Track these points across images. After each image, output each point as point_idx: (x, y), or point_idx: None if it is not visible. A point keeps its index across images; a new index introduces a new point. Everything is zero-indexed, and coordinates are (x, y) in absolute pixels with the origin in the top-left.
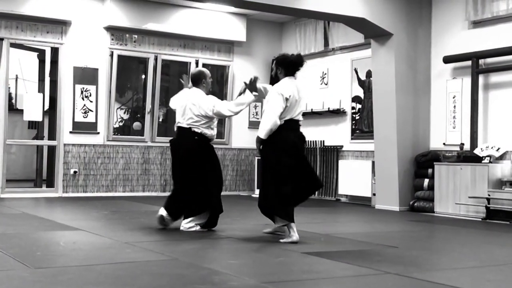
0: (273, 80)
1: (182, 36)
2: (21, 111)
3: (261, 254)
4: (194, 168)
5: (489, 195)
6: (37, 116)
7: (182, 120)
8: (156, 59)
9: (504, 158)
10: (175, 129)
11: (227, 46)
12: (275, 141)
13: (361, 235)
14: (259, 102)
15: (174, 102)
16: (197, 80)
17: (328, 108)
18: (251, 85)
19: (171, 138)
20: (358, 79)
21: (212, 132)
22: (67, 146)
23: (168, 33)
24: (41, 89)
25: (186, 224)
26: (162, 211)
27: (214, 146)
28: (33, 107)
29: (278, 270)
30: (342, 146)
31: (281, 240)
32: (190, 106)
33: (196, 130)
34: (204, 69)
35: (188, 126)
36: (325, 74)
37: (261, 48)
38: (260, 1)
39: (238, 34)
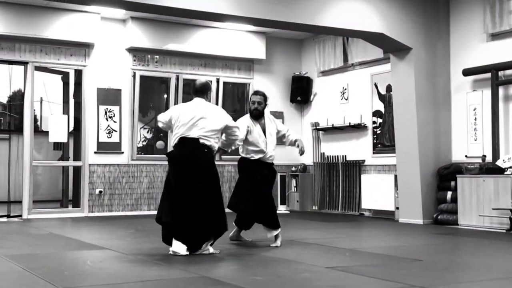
0: (260, 114)
1: (202, 55)
2: (47, 132)
3: (285, 270)
4: (210, 184)
5: None
6: (62, 137)
7: (188, 132)
8: (177, 78)
9: None
10: (177, 141)
11: (247, 64)
12: None
13: (386, 249)
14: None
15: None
16: (204, 90)
17: (349, 123)
18: None
19: (172, 151)
20: (378, 93)
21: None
22: (92, 166)
23: (188, 53)
24: (65, 110)
25: (210, 248)
26: (183, 250)
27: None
28: (58, 129)
29: (303, 286)
30: (364, 161)
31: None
32: (209, 117)
33: (206, 142)
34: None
35: (197, 137)
36: (345, 89)
37: (281, 65)
38: (279, 19)
39: (257, 52)
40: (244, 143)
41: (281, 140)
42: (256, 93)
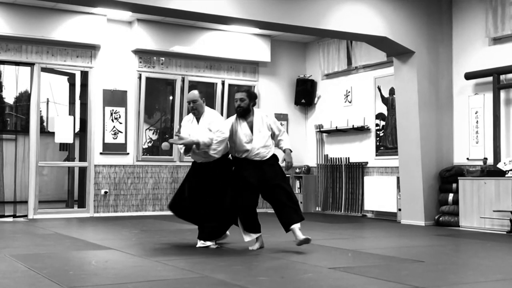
0: (245, 111)
1: (208, 57)
2: (53, 133)
3: (290, 270)
4: None
5: None
6: (68, 138)
7: None
8: (183, 80)
9: None
10: None
11: (252, 66)
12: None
13: (388, 250)
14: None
15: None
16: None
17: (353, 126)
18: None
19: None
20: (382, 96)
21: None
22: (97, 167)
23: (194, 55)
24: (71, 111)
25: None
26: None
27: None
28: (64, 130)
29: (307, 286)
30: (367, 163)
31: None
32: None
33: None
34: (189, 93)
35: None
36: (349, 92)
37: (286, 68)
38: (284, 22)
39: (262, 55)
40: (230, 142)
41: (274, 139)
42: (240, 90)
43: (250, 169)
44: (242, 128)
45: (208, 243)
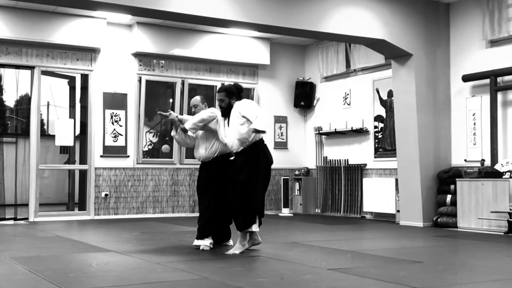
0: (226, 110)
1: (207, 60)
2: (53, 136)
3: (289, 271)
4: None
5: (510, 209)
6: (69, 141)
7: None
8: (183, 83)
9: None
10: None
11: (251, 69)
12: (261, 155)
13: (387, 251)
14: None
15: None
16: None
17: (351, 128)
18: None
19: None
20: (380, 98)
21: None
22: (98, 169)
23: (194, 58)
24: (72, 114)
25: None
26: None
27: None
28: (64, 133)
29: (306, 287)
30: (365, 165)
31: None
32: None
33: None
34: (193, 98)
35: None
36: (348, 94)
37: (285, 70)
38: (283, 25)
39: (262, 58)
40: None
41: None
42: (219, 90)
43: (234, 164)
44: (225, 124)
45: (200, 243)
